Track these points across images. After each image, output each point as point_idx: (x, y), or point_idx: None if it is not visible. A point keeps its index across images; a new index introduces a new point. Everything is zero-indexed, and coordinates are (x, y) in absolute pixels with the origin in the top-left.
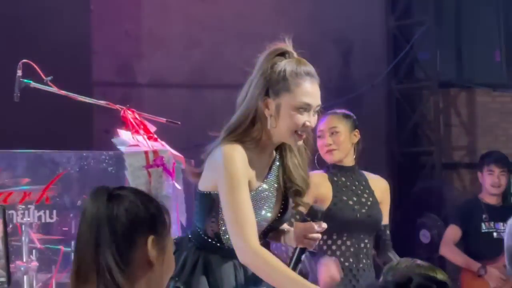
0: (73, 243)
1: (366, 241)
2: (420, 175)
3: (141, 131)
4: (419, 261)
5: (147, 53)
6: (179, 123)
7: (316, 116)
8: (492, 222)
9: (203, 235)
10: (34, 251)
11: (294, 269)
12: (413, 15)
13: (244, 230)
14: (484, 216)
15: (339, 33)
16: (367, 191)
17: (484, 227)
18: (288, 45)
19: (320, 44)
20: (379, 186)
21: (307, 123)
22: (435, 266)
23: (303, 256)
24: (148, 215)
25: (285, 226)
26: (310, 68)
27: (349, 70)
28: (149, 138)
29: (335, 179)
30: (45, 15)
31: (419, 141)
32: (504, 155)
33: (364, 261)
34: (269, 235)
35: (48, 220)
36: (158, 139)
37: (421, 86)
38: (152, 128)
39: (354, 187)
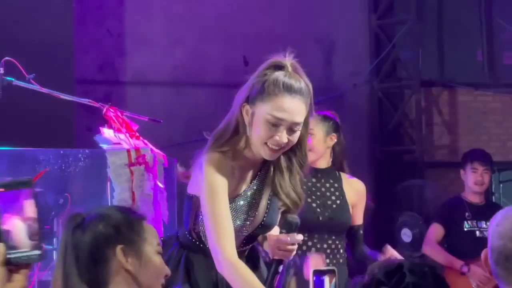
0: (55, 240)
1: (330, 242)
2: (402, 174)
3: (124, 129)
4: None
5: (129, 51)
6: (162, 121)
7: (296, 133)
8: (475, 221)
9: (188, 235)
10: None
11: (272, 280)
12: (395, 14)
13: (220, 240)
14: (467, 214)
15: (322, 32)
16: (336, 193)
17: (467, 225)
18: (287, 60)
19: (303, 43)
20: (355, 188)
21: (276, 138)
22: None
23: (280, 268)
24: (111, 228)
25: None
26: (295, 83)
27: (331, 69)
28: (131, 136)
29: (304, 180)
30: (27, 13)
31: (401, 140)
32: (487, 153)
33: (328, 261)
34: (258, 238)
35: None
36: (141, 137)
37: (403, 85)
38: (135, 126)
39: (323, 189)
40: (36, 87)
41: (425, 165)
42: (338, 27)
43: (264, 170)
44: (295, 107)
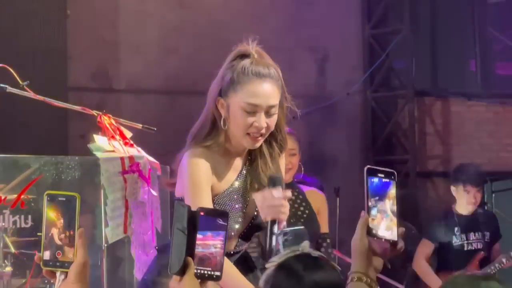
0: None
1: None
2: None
3: (117, 137)
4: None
5: (123, 59)
6: (155, 129)
7: (273, 116)
8: (464, 234)
9: None
10: (8, 256)
11: (269, 243)
12: (389, 24)
13: None
14: (456, 229)
15: (315, 41)
16: (303, 204)
17: (455, 239)
18: (251, 47)
19: (296, 51)
20: (316, 198)
21: (256, 124)
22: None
23: (275, 228)
24: None
25: None
26: (263, 68)
27: (324, 78)
28: (125, 144)
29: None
30: (22, 20)
31: (394, 150)
32: (479, 171)
33: None
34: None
35: (23, 225)
36: (134, 145)
37: (396, 94)
38: (128, 134)
39: (290, 202)
40: (29, 94)
41: (417, 175)
42: (331, 36)
43: (251, 165)
44: (267, 90)
